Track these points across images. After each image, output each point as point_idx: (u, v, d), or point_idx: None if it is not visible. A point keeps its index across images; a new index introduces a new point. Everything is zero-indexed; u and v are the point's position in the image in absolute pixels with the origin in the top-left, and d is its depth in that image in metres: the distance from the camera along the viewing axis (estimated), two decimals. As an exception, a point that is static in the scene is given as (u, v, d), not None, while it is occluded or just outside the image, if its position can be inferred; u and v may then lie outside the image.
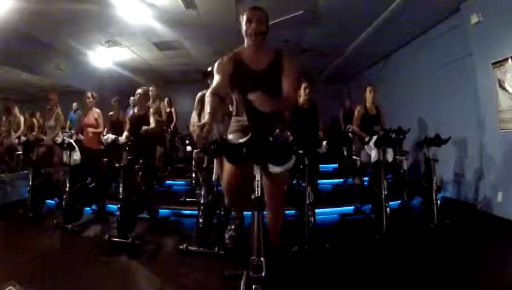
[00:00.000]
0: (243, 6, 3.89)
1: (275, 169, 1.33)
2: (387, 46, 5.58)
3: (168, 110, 5.70)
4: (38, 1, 3.59)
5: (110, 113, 4.56)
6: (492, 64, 3.31)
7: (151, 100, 4.18)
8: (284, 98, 1.57)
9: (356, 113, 3.85)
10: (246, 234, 1.25)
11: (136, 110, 3.63)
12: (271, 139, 1.16)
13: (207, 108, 1.46)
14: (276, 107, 1.51)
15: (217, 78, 1.62)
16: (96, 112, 4.20)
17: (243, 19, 1.61)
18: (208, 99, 1.51)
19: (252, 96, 1.42)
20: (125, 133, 3.37)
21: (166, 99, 5.87)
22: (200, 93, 3.09)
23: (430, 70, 4.70)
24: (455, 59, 4.07)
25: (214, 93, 1.53)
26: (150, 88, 4.62)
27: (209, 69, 3.15)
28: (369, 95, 3.82)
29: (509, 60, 3.12)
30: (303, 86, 3.52)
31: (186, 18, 4.14)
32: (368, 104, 3.83)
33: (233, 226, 1.81)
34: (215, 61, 1.70)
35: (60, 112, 4.39)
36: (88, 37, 4.89)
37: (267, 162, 1.29)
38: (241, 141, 1.14)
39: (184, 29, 4.54)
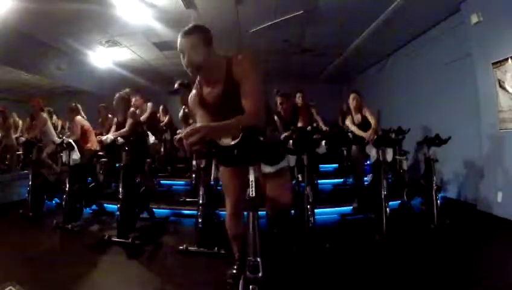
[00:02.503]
0: (243, 6, 3.90)
1: (267, 169, 1.33)
2: (387, 46, 5.59)
3: (164, 119, 5.64)
4: (38, 1, 3.59)
5: (100, 120, 4.54)
6: (492, 64, 3.31)
7: (134, 108, 4.10)
8: (247, 117, 1.29)
9: (349, 124, 3.69)
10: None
11: (118, 116, 3.54)
12: (262, 139, 1.16)
13: (199, 122, 1.38)
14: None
15: (198, 115, 1.51)
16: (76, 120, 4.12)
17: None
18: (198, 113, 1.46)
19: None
20: (110, 135, 3.28)
21: (161, 107, 5.80)
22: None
23: (430, 70, 4.71)
24: (455, 59, 4.07)
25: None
26: (134, 98, 4.59)
27: (176, 85, 3.13)
28: (351, 103, 3.68)
29: (509, 60, 3.12)
30: (278, 101, 3.42)
31: (186, 18, 4.13)
32: (352, 112, 3.68)
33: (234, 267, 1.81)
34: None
35: (44, 117, 4.30)
36: (88, 37, 4.90)
37: (259, 163, 1.27)
38: (231, 143, 1.13)
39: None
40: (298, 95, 4.63)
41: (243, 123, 1.19)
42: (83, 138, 4.03)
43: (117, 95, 3.44)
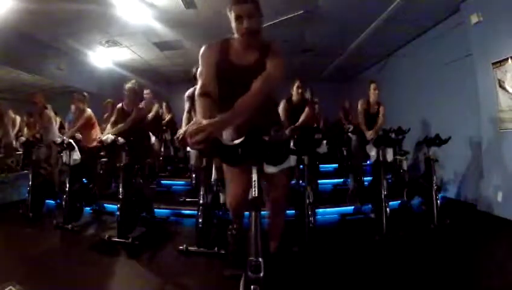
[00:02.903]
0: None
1: (270, 169, 1.33)
2: (387, 46, 5.59)
3: (167, 116, 5.65)
4: (38, 1, 3.60)
5: (105, 115, 4.51)
6: (492, 64, 3.31)
7: (143, 103, 4.03)
8: (264, 77, 1.36)
9: (359, 107, 3.72)
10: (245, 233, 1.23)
11: (124, 105, 3.42)
12: (266, 139, 1.15)
13: (199, 113, 1.30)
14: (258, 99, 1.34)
15: (204, 73, 1.44)
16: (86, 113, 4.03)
17: (231, 14, 1.40)
18: (198, 102, 1.36)
19: (237, 93, 1.29)
20: (109, 127, 3.23)
21: (164, 104, 5.80)
22: (190, 90, 2.94)
23: (430, 70, 4.71)
24: (455, 59, 4.07)
25: (204, 94, 1.36)
26: (145, 91, 4.55)
27: (194, 70, 2.94)
28: (372, 92, 3.71)
29: (509, 60, 3.12)
30: (296, 84, 3.42)
31: (186, 18, 4.14)
32: (371, 101, 3.72)
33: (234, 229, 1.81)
34: None
35: (48, 114, 4.26)
36: (88, 37, 4.90)
37: (262, 163, 1.27)
38: (235, 142, 1.12)
39: (184, 29, 4.54)
40: (308, 90, 4.66)
41: (246, 104, 1.22)
42: (88, 132, 3.97)
43: (127, 85, 3.33)
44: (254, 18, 1.39)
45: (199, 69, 1.48)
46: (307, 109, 3.39)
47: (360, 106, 3.73)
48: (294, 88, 3.42)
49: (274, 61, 1.42)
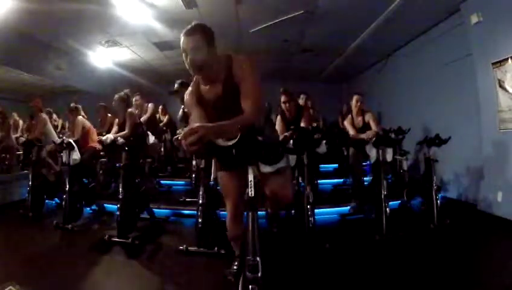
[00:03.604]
0: (243, 6, 3.90)
1: (266, 169, 1.33)
2: (387, 46, 5.59)
3: (164, 119, 5.64)
4: (38, 1, 3.60)
5: (99, 119, 4.53)
6: (492, 64, 3.31)
7: (134, 108, 4.03)
8: (247, 117, 1.31)
9: (348, 128, 3.58)
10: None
11: (119, 117, 3.56)
12: (260, 139, 1.15)
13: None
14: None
15: (193, 114, 1.49)
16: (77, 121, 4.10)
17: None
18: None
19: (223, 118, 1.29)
20: (110, 135, 3.26)
21: (160, 107, 5.80)
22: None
23: (430, 70, 4.71)
24: (455, 59, 4.07)
25: None
26: (135, 98, 4.58)
27: (176, 86, 3.11)
28: (354, 105, 3.55)
29: (509, 60, 3.12)
30: (281, 99, 3.28)
31: (186, 18, 4.11)
32: (354, 115, 3.57)
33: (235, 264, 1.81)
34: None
35: (43, 118, 4.28)
36: (88, 37, 4.90)
37: (258, 163, 1.27)
38: (229, 143, 1.12)
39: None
40: (302, 96, 4.62)
41: (242, 123, 1.19)
42: (84, 138, 4.01)
43: (116, 96, 3.45)
44: (200, 50, 1.35)
45: (191, 114, 1.52)
46: (305, 116, 3.30)
47: (348, 126, 3.58)
48: (282, 104, 3.31)
49: (244, 75, 1.38)
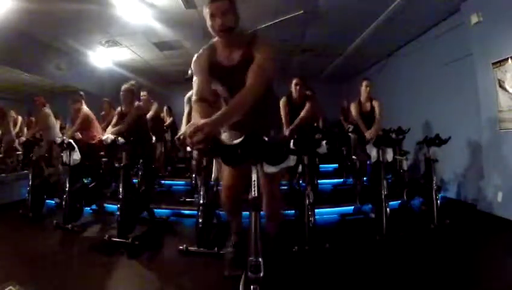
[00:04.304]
0: (243, 6, 3.89)
1: (270, 169, 1.33)
2: (387, 46, 5.59)
3: (168, 120, 5.66)
4: (38, 1, 3.60)
5: (102, 113, 4.52)
6: (492, 64, 3.31)
7: (141, 102, 4.02)
8: (254, 72, 1.36)
9: (353, 110, 3.70)
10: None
11: (123, 107, 3.47)
12: (266, 139, 1.16)
13: (196, 117, 1.30)
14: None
15: (197, 80, 1.47)
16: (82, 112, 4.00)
17: (206, 12, 1.42)
18: (194, 107, 1.38)
19: (234, 93, 1.33)
20: (109, 129, 3.23)
21: (165, 108, 5.82)
22: (189, 93, 2.92)
23: (430, 70, 4.71)
24: (455, 59, 4.07)
25: (200, 99, 1.38)
26: (142, 93, 4.57)
27: (190, 72, 3.10)
28: (364, 90, 3.64)
29: (509, 60, 3.12)
30: (293, 82, 3.35)
31: (186, 18, 4.14)
32: (363, 100, 3.67)
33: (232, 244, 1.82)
34: None
35: (46, 112, 4.29)
36: (88, 37, 4.90)
37: (262, 163, 1.28)
38: (235, 142, 1.13)
39: (184, 29, 4.54)
40: (308, 92, 4.62)
41: (241, 100, 1.23)
42: (89, 130, 3.94)
43: (124, 86, 3.36)
44: (228, 15, 1.39)
45: (193, 78, 1.50)
46: (307, 105, 3.33)
47: (353, 109, 3.70)
48: (293, 86, 3.37)
49: (261, 53, 1.41)
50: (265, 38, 1.50)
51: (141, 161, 3.52)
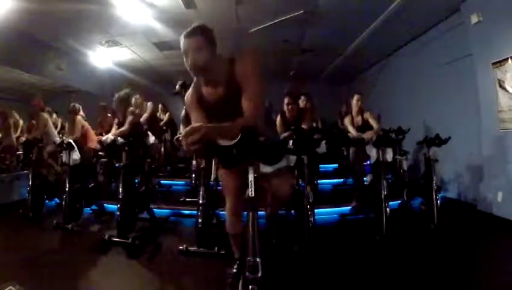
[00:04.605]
0: (243, 6, 3.90)
1: (266, 169, 1.33)
2: (387, 46, 5.59)
3: (164, 117, 5.62)
4: (38, 1, 3.60)
5: (99, 120, 4.54)
6: (492, 64, 3.31)
7: (134, 107, 4.03)
8: (244, 121, 1.27)
9: (348, 125, 3.64)
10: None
11: (119, 117, 3.53)
12: (261, 139, 1.15)
13: (195, 122, 1.31)
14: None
15: (193, 116, 1.48)
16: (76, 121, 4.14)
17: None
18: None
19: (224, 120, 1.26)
20: (110, 136, 3.26)
21: (160, 105, 5.77)
22: (188, 93, 3.01)
23: (430, 70, 4.70)
24: (455, 59, 4.07)
25: None
26: (135, 96, 4.59)
27: (177, 87, 3.10)
28: (355, 104, 3.62)
29: (509, 60, 3.12)
30: (285, 101, 3.33)
31: (186, 18, 4.13)
32: (354, 113, 3.65)
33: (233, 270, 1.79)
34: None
35: (44, 117, 4.30)
36: (88, 37, 4.90)
37: (258, 163, 1.27)
38: (230, 143, 1.12)
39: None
40: (302, 98, 4.61)
41: (242, 125, 1.18)
42: (83, 138, 4.03)
43: (116, 95, 3.44)
44: (201, 52, 1.33)
45: (191, 115, 1.51)
46: (305, 119, 3.31)
47: (347, 124, 3.65)
48: (285, 106, 3.36)
49: (247, 78, 1.35)
50: (245, 52, 1.46)
51: (141, 161, 3.53)
